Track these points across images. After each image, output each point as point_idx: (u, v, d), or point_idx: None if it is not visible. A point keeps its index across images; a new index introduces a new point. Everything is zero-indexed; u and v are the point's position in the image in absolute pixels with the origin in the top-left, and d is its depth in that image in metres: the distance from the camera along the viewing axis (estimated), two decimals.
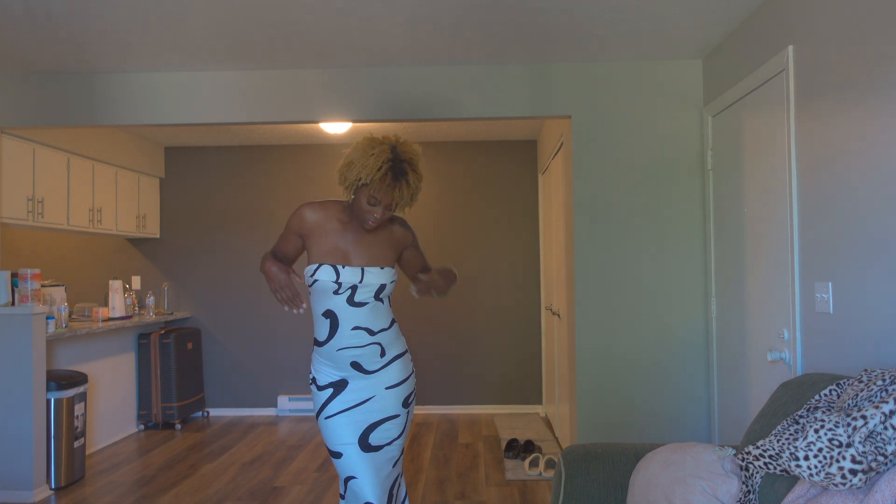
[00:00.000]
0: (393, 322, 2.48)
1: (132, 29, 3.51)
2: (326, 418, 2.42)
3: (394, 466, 2.47)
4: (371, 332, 2.39)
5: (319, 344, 2.41)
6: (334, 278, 2.33)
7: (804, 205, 2.80)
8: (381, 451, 2.43)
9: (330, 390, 2.42)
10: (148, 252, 6.72)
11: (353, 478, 2.40)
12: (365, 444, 2.41)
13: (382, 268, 2.41)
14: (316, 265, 2.35)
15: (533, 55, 3.98)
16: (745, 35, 3.42)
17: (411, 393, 2.51)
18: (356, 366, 2.39)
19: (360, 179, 2.26)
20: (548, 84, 4.13)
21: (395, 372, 2.46)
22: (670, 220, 4.04)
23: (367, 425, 2.42)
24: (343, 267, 2.36)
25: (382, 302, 2.43)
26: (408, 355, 2.53)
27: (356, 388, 2.41)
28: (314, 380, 2.46)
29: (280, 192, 6.73)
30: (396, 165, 2.26)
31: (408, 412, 2.50)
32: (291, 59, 4.02)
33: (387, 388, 2.44)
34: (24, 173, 4.80)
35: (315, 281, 2.34)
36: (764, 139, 3.19)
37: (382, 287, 2.40)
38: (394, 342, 2.46)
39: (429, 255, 2.78)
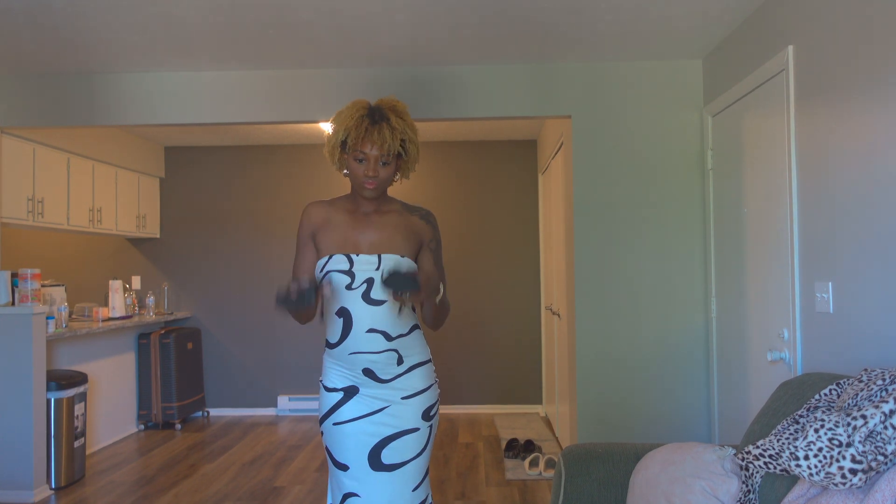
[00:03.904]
0: (414, 328, 2.17)
1: (132, 29, 3.51)
2: (335, 424, 2.13)
3: (413, 491, 2.12)
4: (388, 338, 2.09)
5: (331, 346, 2.15)
6: (347, 267, 2.06)
7: (804, 205, 2.80)
8: (397, 472, 2.10)
9: (341, 394, 2.14)
10: (148, 252, 6.72)
11: (353, 495, 2.10)
12: (376, 462, 2.10)
13: (402, 256, 2.11)
14: (326, 256, 2.10)
15: (533, 55, 3.98)
16: (745, 35, 3.42)
17: (433, 405, 2.19)
18: (369, 373, 2.10)
19: (338, 136, 2.06)
20: (548, 84, 4.13)
21: (414, 381, 2.15)
22: (670, 220, 4.04)
23: (379, 439, 2.10)
24: (357, 255, 2.09)
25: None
26: (430, 365, 2.22)
27: (368, 396, 2.12)
28: (322, 382, 2.22)
29: (280, 192, 6.73)
30: (373, 112, 2.06)
31: (430, 426, 2.17)
32: (291, 59, 4.02)
33: (403, 398, 2.13)
34: (25, 173, 4.80)
35: (326, 274, 2.07)
36: (764, 139, 3.19)
37: None
38: (414, 350, 2.15)
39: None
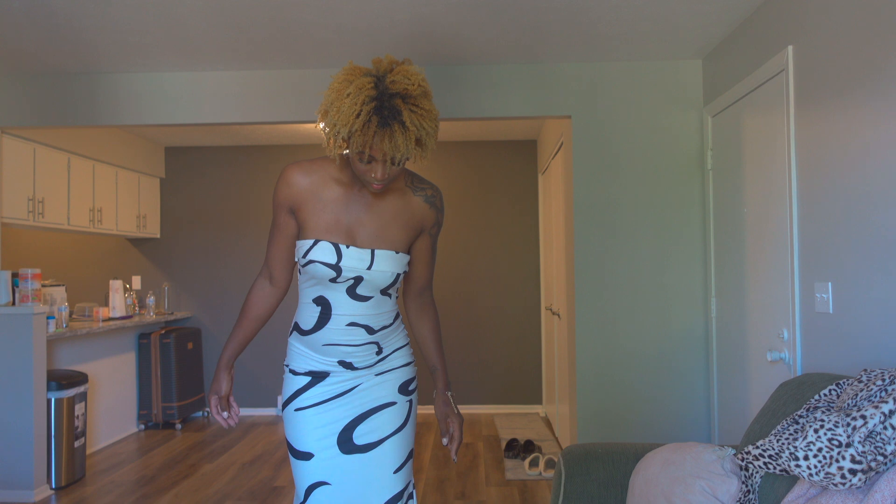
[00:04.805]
0: (396, 317, 1.97)
1: (133, 29, 3.51)
2: (297, 410, 1.90)
3: (395, 474, 1.89)
4: (371, 331, 1.88)
5: (302, 332, 1.91)
6: (334, 261, 1.78)
7: (804, 205, 2.80)
8: (373, 452, 1.88)
9: (308, 378, 1.91)
10: (148, 252, 6.72)
11: (322, 484, 1.86)
12: (347, 444, 1.87)
13: (397, 252, 1.85)
14: (311, 241, 1.80)
15: (533, 55, 3.98)
16: (745, 35, 3.42)
17: (411, 379, 1.98)
18: (345, 364, 1.90)
19: (339, 133, 1.64)
20: (548, 84, 4.13)
21: (391, 361, 1.96)
22: (670, 220, 4.04)
23: (350, 419, 1.88)
24: (347, 247, 1.80)
25: (389, 297, 1.91)
26: (408, 347, 2.04)
27: (338, 380, 1.90)
28: (289, 365, 1.97)
29: None
30: (384, 104, 1.61)
31: (409, 401, 1.95)
32: (291, 59, 4.02)
33: (378, 375, 1.93)
34: (25, 173, 4.80)
35: (308, 262, 1.80)
36: (764, 139, 3.19)
37: (396, 278, 1.85)
38: (394, 338, 1.96)
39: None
